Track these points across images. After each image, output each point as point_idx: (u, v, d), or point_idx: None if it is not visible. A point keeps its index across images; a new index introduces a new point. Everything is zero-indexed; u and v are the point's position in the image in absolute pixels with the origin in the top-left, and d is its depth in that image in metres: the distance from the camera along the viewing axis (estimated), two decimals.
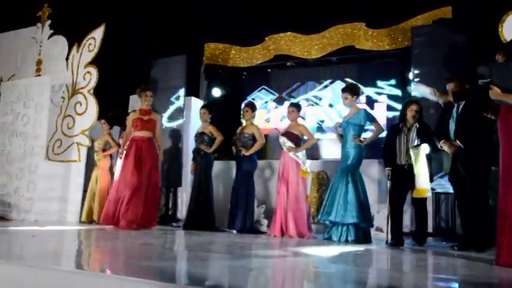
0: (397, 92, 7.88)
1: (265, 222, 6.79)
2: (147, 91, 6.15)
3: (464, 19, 6.46)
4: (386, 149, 5.26)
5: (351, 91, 5.44)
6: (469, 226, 4.46)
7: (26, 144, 7.06)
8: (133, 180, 5.70)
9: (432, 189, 6.02)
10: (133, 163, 5.77)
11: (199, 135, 6.54)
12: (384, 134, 5.93)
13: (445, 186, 5.95)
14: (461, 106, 4.55)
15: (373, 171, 6.43)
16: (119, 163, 6.79)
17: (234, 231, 5.99)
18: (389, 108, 7.94)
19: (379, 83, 8.04)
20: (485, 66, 4.05)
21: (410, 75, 6.65)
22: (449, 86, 4.75)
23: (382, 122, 7.75)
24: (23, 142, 7.09)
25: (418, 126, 5.05)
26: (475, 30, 6.24)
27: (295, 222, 5.53)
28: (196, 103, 7.91)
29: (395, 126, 5.30)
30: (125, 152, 6.00)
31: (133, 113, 6.15)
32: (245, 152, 6.06)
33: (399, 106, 7.86)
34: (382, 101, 7.97)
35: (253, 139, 6.13)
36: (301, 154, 5.78)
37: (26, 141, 7.08)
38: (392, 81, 7.99)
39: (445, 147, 4.60)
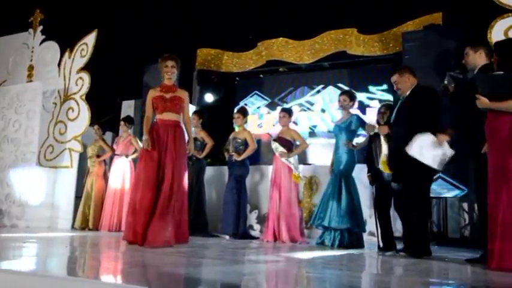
0: (389, 97, 7.94)
1: (257, 227, 6.80)
2: (167, 60, 4.49)
3: (454, 25, 6.54)
4: (367, 156, 5.17)
5: (350, 95, 5.47)
6: (407, 230, 4.31)
7: (18, 151, 7.02)
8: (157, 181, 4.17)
9: None
10: (154, 158, 4.21)
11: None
12: None
13: (436, 190, 6.00)
14: (400, 102, 4.47)
15: (365, 176, 6.46)
16: (121, 162, 6.75)
17: (227, 237, 5.99)
18: None
19: (371, 88, 8.11)
20: (450, 76, 4.00)
21: None
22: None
23: None
24: (15, 148, 7.06)
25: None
26: (465, 36, 6.30)
27: (287, 228, 5.53)
28: (189, 108, 7.90)
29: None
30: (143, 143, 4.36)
31: (153, 91, 4.53)
32: (237, 157, 6.07)
33: None
34: (373, 106, 8.03)
35: (246, 144, 6.14)
36: (294, 159, 5.80)
37: (17, 148, 7.04)
38: (384, 86, 8.06)
39: (380, 131, 4.48)
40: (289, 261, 3.65)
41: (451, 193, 6.01)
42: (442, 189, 6.00)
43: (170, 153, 4.21)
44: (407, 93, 4.36)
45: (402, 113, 4.38)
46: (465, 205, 6.51)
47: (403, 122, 4.31)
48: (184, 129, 4.58)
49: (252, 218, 6.99)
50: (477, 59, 3.90)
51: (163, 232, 3.95)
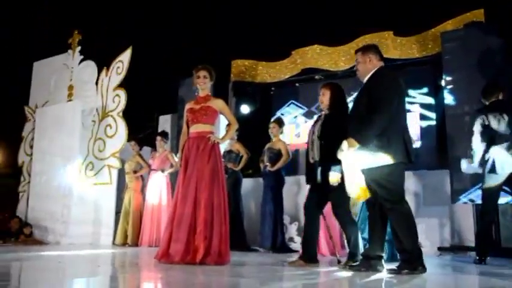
0: (430, 100, 7.63)
1: (298, 239, 6.63)
2: (199, 71, 4.34)
3: (497, 21, 6.21)
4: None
5: None
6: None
7: (60, 169, 7.19)
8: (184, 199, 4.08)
9: (471, 200, 5.76)
10: (183, 174, 4.16)
11: (227, 153, 6.49)
12: None
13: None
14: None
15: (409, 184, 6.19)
16: (158, 177, 6.84)
17: (265, 250, 5.86)
18: (423, 117, 7.68)
19: (411, 92, 7.80)
20: None
21: (443, 83, 6.43)
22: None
23: (416, 132, 7.50)
24: (57, 166, 7.23)
25: (327, 112, 4.37)
26: (509, 33, 5.98)
27: (327, 240, 5.35)
28: (225, 121, 7.87)
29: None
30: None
31: (188, 104, 4.43)
32: (270, 168, 5.98)
33: (433, 115, 7.61)
34: (414, 111, 7.71)
35: (280, 155, 6.05)
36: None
37: (60, 166, 7.21)
38: (425, 90, 7.75)
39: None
40: (332, 277, 3.48)
41: (502, 199, 5.64)
42: None
43: (198, 168, 4.11)
44: (367, 78, 3.82)
45: (357, 102, 3.85)
46: None
47: (356, 111, 3.81)
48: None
49: (293, 230, 6.84)
50: None
51: (190, 249, 3.91)
